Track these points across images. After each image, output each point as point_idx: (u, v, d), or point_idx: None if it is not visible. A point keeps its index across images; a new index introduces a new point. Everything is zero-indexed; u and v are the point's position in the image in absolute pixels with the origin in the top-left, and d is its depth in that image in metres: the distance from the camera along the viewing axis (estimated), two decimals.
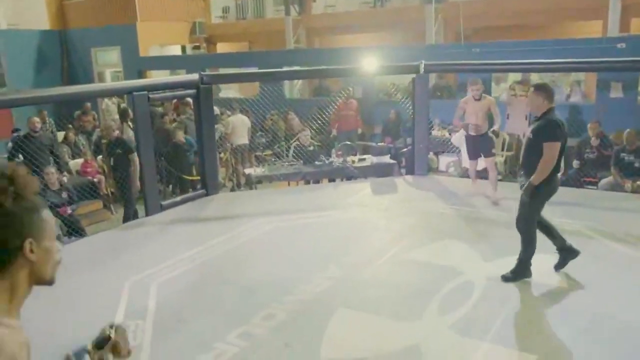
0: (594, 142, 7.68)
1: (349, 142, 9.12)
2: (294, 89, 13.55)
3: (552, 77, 10.12)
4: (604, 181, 7.34)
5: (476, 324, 3.85)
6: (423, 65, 7.94)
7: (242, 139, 9.17)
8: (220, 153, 9.23)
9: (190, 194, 7.38)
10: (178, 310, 4.26)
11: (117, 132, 7.53)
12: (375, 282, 4.64)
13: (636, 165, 7.15)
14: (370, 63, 8.68)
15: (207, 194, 7.26)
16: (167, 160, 8.09)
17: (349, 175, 8.20)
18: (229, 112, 9.57)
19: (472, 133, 6.76)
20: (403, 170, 8.81)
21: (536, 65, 7.96)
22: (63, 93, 6.41)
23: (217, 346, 3.74)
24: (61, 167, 7.59)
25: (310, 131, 8.93)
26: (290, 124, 10.27)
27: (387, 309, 4.16)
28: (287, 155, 8.60)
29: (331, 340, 3.78)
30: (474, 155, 6.93)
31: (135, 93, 6.35)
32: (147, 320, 4.11)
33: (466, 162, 8.36)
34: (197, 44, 16.17)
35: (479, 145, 6.81)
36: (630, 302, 4.17)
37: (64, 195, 6.52)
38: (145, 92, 6.41)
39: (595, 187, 7.47)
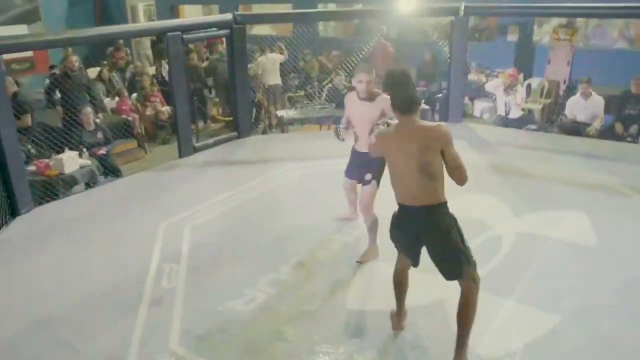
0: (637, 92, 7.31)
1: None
2: (328, 27, 13.22)
3: (599, 20, 9.61)
4: None
5: (502, 281, 3.87)
6: (463, 7, 7.64)
7: (273, 79, 9.07)
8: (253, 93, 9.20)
9: (223, 136, 7.42)
10: (210, 255, 4.40)
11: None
12: None
13: None
14: (407, 2, 8.38)
15: (239, 137, 7.31)
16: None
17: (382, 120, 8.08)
18: (259, 54, 9.41)
19: (358, 149, 4.39)
20: (437, 116, 8.68)
21: (583, 10, 7.54)
22: (97, 34, 6.41)
23: (247, 292, 3.88)
24: (97, 107, 7.69)
25: (345, 73, 8.79)
26: (326, 65, 10.11)
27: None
28: (320, 98, 8.53)
29: (358, 290, 3.89)
30: (353, 173, 4.49)
31: (169, 34, 6.32)
32: (181, 264, 4.27)
33: (500, 109, 8.18)
34: None
35: (364, 165, 4.24)
36: None
37: (99, 135, 6.65)
38: (179, 33, 6.36)
39: (635, 141, 7.23)
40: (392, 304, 3.48)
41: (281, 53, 9.22)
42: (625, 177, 5.76)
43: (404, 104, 2.95)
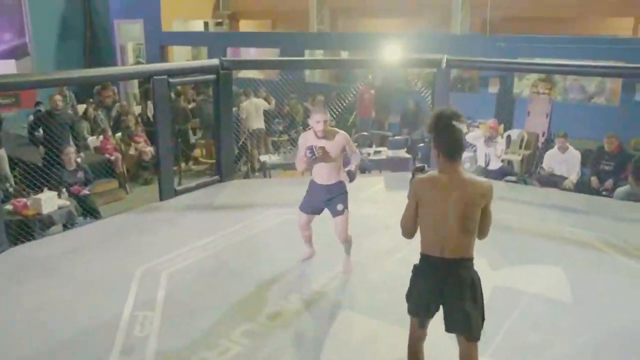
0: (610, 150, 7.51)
1: (365, 133, 9.10)
2: (314, 72, 13.49)
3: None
4: (620, 190, 7.25)
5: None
6: (445, 60, 7.87)
7: (257, 123, 9.19)
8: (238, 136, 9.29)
9: (205, 179, 7.45)
10: (186, 303, 4.36)
11: None
12: (382, 285, 4.68)
13: None
14: (392, 52, 8.61)
15: (221, 180, 7.33)
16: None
17: (363, 168, 8.19)
18: (243, 97, 9.55)
19: (319, 182, 4.58)
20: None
21: (560, 67, 7.82)
22: (85, 75, 6.50)
23: (221, 343, 3.83)
24: (79, 146, 7.69)
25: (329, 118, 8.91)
26: (309, 109, 10.26)
27: (391, 315, 4.18)
28: None
29: (333, 343, 3.85)
30: (311, 208, 4.70)
31: (155, 77, 6.40)
32: (156, 312, 4.21)
33: (480, 159, 8.32)
34: (220, 20, 16.14)
35: (328, 197, 4.57)
36: (637, 320, 4.17)
37: (80, 175, 6.63)
38: (165, 77, 6.45)
39: (610, 195, 7.38)
40: (369, 357, 3.46)
41: (268, 102, 9.37)
42: (600, 231, 5.86)
43: (452, 149, 2.81)
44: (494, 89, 10.65)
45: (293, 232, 5.79)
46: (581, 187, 7.52)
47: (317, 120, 4.37)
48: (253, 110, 9.19)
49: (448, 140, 2.82)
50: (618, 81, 9.58)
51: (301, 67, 11.09)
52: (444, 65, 7.85)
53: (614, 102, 9.80)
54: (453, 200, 2.79)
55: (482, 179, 2.88)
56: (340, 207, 4.56)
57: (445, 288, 2.88)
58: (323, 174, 4.54)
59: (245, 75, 11.97)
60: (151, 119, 8.41)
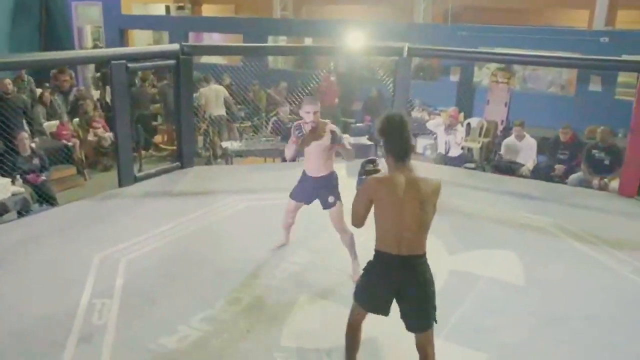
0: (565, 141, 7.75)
1: (328, 120, 9.10)
2: (278, 58, 13.41)
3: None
4: (573, 176, 7.49)
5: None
6: (407, 49, 7.94)
7: (218, 110, 9.09)
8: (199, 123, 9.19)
9: (165, 166, 7.35)
10: (145, 290, 4.32)
11: None
12: (342, 271, 4.73)
13: (606, 162, 7.31)
14: (355, 39, 8.63)
15: (182, 167, 7.25)
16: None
17: None
18: (204, 84, 9.42)
19: (310, 174, 4.59)
20: (379, 151, 8.87)
21: (518, 57, 8.00)
22: (40, 59, 6.30)
23: (180, 329, 3.82)
24: (33, 131, 7.47)
25: (291, 106, 8.93)
26: (273, 97, 10.21)
27: (351, 299, 4.25)
28: (266, 130, 8.60)
29: (292, 328, 3.89)
30: (301, 196, 4.70)
31: (113, 62, 6.26)
32: (114, 299, 4.16)
33: (440, 147, 8.44)
34: (182, 4, 15.84)
35: (319, 189, 4.57)
36: (587, 303, 4.35)
37: (35, 161, 6.46)
38: (124, 62, 6.32)
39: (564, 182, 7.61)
40: (327, 341, 3.51)
41: (230, 94, 9.27)
42: (555, 217, 6.05)
43: (401, 151, 2.89)
44: (454, 77, 10.80)
45: (254, 218, 5.82)
46: (537, 174, 7.73)
47: (307, 110, 4.34)
48: (213, 97, 9.08)
49: (397, 144, 2.90)
50: (574, 72, 9.84)
51: (264, 53, 11.01)
52: (405, 53, 7.93)
53: (569, 92, 10.06)
54: (409, 199, 2.86)
55: (431, 178, 2.94)
56: (331, 199, 4.51)
57: (402, 285, 2.95)
58: (313, 166, 4.53)
59: (207, 61, 11.82)
60: (110, 104, 8.22)
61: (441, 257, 4.98)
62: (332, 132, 4.36)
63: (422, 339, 3.03)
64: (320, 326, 3.92)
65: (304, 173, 4.64)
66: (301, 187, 4.67)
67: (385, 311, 3.07)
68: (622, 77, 9.39)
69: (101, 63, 9.43)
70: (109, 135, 8.19)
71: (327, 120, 4.51)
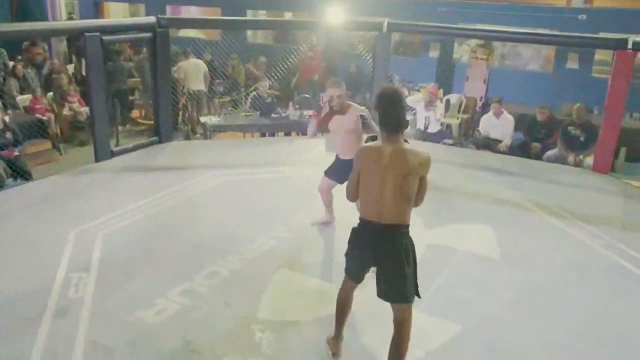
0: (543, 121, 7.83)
1: (307, 96, 9.08)
2: (257, 33, 13.24)
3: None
4: (549, 153, 7.59)
5: None
6: (386, 24, 7.89)
7: (197, 84, 8.98)
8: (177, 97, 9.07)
9: (143, 141, 7.27)
10: (122, 264, 4.30)
11: None
12: (319, 245, 4.78)
13: (581, 139, 7.42)
14: (335, 14, 8.56)
15: (160, 142, 7.18)
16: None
17: (305, 130, 8.19)
18: (183, 58, 9.28)
19: (340, 157, 4.70)
20: None
21: (498, 34, 8.00)
22: (11, 30, 6.12)
23: (158, 302, 3.82)
24: (6, 105, 7.30)
25: (270, 81, 8.86)
26: (252, 71, 10.11)
27: (327, 273, 4.30)
28: (245, 104, 8.53)
29: (270, 301, 3.92)
30: (333, 175, 4.77)
31: (87, 34, 6.13)
32: (91, 273, 4.14)
33: (419, 122, 8.47)
34: None
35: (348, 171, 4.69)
36: (559, 276, 4.44)
37: (8, 136, 6.32)
38: (98, 34, 6.19)
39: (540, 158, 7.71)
40: (304, 314, 3.54)
41: (209, 71, 9.15)
42: (530, 193, 6.14)
43: (393, 123, 2.97)
44: (434, 53, 10.80)
45: (233, 193, 5.81)
46: (515, 150, 7.82)
47: (331, 94, 4.38)
48: (192, 71, 8.96)
49: (389, 117, 2.99)
50: (552, 49, 9.90)
51: (243, 27, 10.86)
52: (385, 28, 7.88)
53: (547, 69, 10.14)
54: (393, 169, 2.91)
55: (421, 150, 2.98)
56: None
57: (380, 253, 2.98)
58: (340, 148, 4.64)
59: (185, 35, 11.62)
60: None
61: (419, 231, 4.98)
62: (362, 117, 4.39)
63: (397, 312, 3.05)
64: (297, 299, 3.96)
65: (336, 155, 4.76)
66: (334, 166, 4.76)
67: (358, 277, 3.17)
68: (599, 55, 9.48)
69: (75, 36, 9.19)
70: (84, 109, 8.03)
71: (350, 102, 4.53)
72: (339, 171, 4.63)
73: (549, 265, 4.64)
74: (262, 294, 3.98)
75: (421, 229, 5.07)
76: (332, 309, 3.73)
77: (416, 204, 3.04)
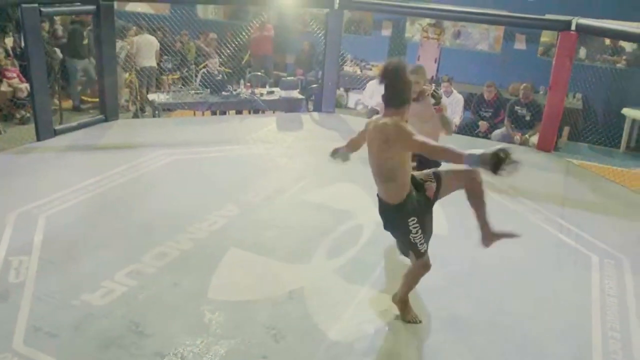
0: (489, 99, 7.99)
1: (259, 73, 8.98)
2: (207, 9, 12.92)
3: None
4: (496, 132, 7.78)
5: (359, 268, 4.10)
6: (338, 1, 7.84)
7: (148, 61, 8.74)
8: (125, 73, 8.81)
9: (87, 119, 7.03)
10: (66, 246, 4.18)
11: None
12: (270, 223, 4.76)
13: (527, 118, 7.62)
14: None
15: (105, 120, 6.96)
16: None
17: (256, 108, 8.13)
18: (133, 32, 9.01)
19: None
20: (311, 105, 8.86)
21: (448, 13, 8.06)
22: None
23: (104, 285, 3.73)
24: None
25: (221, 58, 8.70)
26: (202, 48, 9.89)
27: (278, 251, 4.31)
28: (195, 82, 8.36)
29: (220, 280, 3.89)
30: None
31: (24, 5, 5.83)
32: (32, 256, 4.00)
33: (373, 101, 8.48)
34: None
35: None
36: (502, 250, 4.55)
37: None
38: (36, 5, 5.90)
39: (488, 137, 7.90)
40: (254, 293, 3.54)
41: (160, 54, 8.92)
42: None
43: (386, 97, 3.09)
44: (387, 32, 10.82)
45: (182, 172, 5.72)
46: (463, 129, 7.97)
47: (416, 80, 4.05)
48: (145, 46, 8.71)
49: (386, 90, 3.09)
50: (501, 29, 10.08)
51: (193, 2, 10.57)
52: (336, 5, 7.83)
53: (496, 50, 10.33)
54: (371, 144, 3.11)
55: (390, 122, 3.00)
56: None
57: (386, 224, 3.40)
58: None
59: (133, 9, 11.22)
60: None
61: (368, 209, 5.06)
62: (434, 92, 4.26)
63: (411, 264, 3.45)
64: (247, 278, 3.95)
65: None
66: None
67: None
68: (545, 37, 9.72)
69: (11, 6, 8.74)
70: (25, 85, 7.70)
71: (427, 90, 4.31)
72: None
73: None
74: (212, 274, 3.95)
75: (372, 207, 5.11)
76: (282, 287, 3.77)
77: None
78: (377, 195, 3.33)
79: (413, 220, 3.22)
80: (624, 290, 4.17)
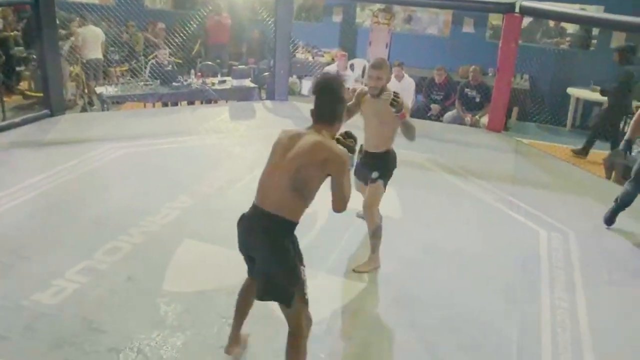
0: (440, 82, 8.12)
1: (210, 63, 8.86)
2: None
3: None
4: (448, 114, 7.92)
5: (317, 254, 4.11)
6: None
7: (94, 53, 8.51)
8: (70, 66, 8.54)
9: (32, 114, 6.80)
10: (13, 246, 4.05)
11: None
12: (224, 213, 4.66)
13: (477, 100, 7.79)
14: None
15: (51, 115, 6.75)
16: None
17: (208, 98, 8.03)
18: (76, 24, 8.74)
19: (367, 149, 4.06)
20: (264, 94, 8.81)
21: None
22: None
23: (55, 283, 3.65)
24: None
25: (170, 48, 8.54)
26: (156, 36, 9.66)
27: (233, 241, 4.19)
28: (144, 74, 8.19)
29: (174, 272, 3.86)
30: (359, 174, 4.17)
31: None
32: None
33: None
34: None
35: (372, 165, 4.03)
36: (456, 232, 4.70)
37: None
38: None
39: (439, 120, 8.04)
40: (209, 284, 3.52)
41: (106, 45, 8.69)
42: (429, 153, 6.39)
43: (314, 112, 2.73)
44: (337, 18, 10.82)
45: (134, 165, 5.62)
46: (415, 112, 8.07)
47: (369, 75, 3.84)
48: (90, 38, 8.46)
49: (314, 104, 2.74)
50: (449, 13, 10.22)
51: None
52: None
53: (445, 34, 10.47)
54: (291, 155, 2.62)
55: (327, 144, 2.62)
56: (375, 174, 3.97)
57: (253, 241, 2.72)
58: (369, 140, 4.04)
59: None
60: None
61: (324, 194, 5.10)
62: (395, 95, 3.68)
63: (283, 313, 2.76)
64: (202, 269, 3.93)
65: (362, 149, 4.05)
66: (359, 164, 4.05)
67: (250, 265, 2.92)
68: (494, 20, 9.90)
69: None
70: None
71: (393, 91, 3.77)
72: (366, 169, 4.04)
73: (447, 220, 4.90)
74: (166, 266, 3.91)
75: (326, 192, 5.15)
76: (237, 276, 3.74)
77: (334, 207, 2.73)
78: (255, 205, 2.71)
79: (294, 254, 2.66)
80: (570, 262, 4.33)
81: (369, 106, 3.96)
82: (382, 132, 3.96)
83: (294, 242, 2.72)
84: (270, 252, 2.64)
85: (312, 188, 2.66)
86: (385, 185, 4.02)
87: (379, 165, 3.99)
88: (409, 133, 3.85)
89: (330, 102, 2.74)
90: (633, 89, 7.17)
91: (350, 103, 3.81)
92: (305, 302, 2.72)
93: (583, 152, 7.29)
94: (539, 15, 7.53)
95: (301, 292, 2.69)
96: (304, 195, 2.65)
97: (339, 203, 2.70)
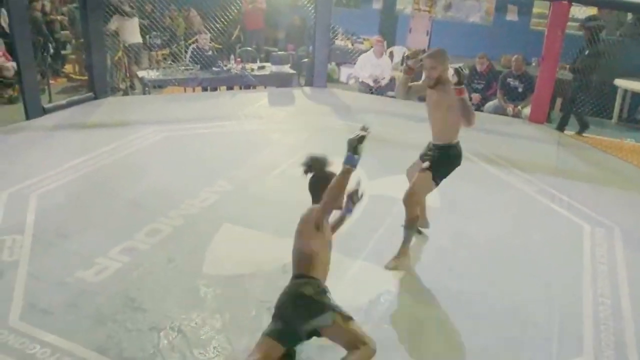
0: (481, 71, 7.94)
1: (249, 48, 8.87)
2: None
3: None
4: (489, 104, 7.76)
5: (354, 241, 4.11)
6: None
7: (133, 37, 8.61)
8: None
9: (77, 97, 6.96)
10: (59, 225, 4.17)
11: None
12: (261, 198, 4.76)
13: (519, 90, 7.60)
14: None
15: (95, 98, 6.89)
16: None
17: (247, 83, 8.06)
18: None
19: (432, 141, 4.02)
20: (302, 80, 8.79)
21: None
22: None
23: (98, 261, 3.74)
24: None
25: (211, 33, 8.58)
26: (191, 23, 9.75)
27: (270, 226, 4.30)
28: (185, 58, 8.27)
29: (213, 256, 3.91)
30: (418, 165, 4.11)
31: None
32: (26, 235, 3.99)
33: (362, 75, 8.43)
34: None
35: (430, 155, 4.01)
36: (495, 223, 4.62)
37: None
38: None
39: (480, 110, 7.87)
40: (248, 268, 3.54)
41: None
42: (470, 143, 6.23)
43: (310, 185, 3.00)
44: (378, 4, 10.70)
45: (173, 149, 5.69)
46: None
47: (426, 65, 3.74)
48: (128, 23, 8.56)
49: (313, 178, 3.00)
50: (492, 1, 9.99)
51: None
52: None
53: (488, 21, 10.24)
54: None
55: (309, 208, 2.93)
56: (425, 164, 3.95)
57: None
58: (433, 129, 4.00)
59: None
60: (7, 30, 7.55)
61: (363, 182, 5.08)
62: (456, 70, 3.51)
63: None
64: (240, 253, 3.96)
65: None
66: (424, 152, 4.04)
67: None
68: (537, 8, 9.64)
69: None
70: (11, 64, 7.58)
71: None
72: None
73: (486, 211, 4.81)
74: (205, 249, 3.96)
75: (365, 180, 5.12)
76: (275, 261, 3.77)
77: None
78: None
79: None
80: (614, 258, 4.21)
81: (428, 96, 3.88)
82: (441, 122, 3.86)
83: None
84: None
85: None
86: (435, 180, 3.93)
87: (433, 158, 3.92)
88: (467, 113, 3.64)
89: (312, 186, 3.00)
90: None
91: (415, 83, 3.96)
92: (347, 317, 2.76)
93: None
94: (588, 2, 7.28)
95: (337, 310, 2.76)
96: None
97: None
